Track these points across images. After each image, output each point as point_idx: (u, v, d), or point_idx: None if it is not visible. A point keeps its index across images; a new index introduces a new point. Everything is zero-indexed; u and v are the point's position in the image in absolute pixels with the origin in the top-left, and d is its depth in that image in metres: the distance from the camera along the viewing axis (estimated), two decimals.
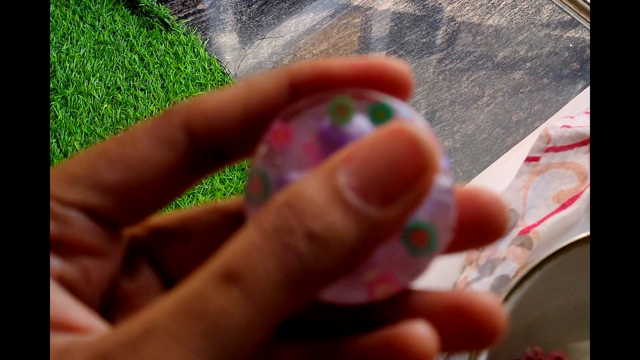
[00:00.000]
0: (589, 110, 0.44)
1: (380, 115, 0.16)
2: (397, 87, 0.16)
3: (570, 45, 1.38)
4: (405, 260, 0.15)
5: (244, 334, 0.12)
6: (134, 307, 0.17)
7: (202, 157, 0.17)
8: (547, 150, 0.41)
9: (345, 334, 0.16)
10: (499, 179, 0.44)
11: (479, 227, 0.16)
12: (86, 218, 0.16)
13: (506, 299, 0.29)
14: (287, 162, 0.16)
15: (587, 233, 0.30)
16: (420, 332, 0.14)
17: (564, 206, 0.39)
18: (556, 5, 1.23)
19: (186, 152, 0.16)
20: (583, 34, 1.39)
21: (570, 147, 0.41)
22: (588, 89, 0.49)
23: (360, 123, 0.16)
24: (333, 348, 0.15)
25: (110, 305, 0.17)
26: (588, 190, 0.38)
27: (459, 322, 0.15)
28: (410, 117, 0.16)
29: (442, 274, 0.39)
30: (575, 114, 0.44)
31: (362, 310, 0.16)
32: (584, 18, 1.11)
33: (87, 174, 0.15)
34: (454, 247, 0.16)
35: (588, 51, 1.35)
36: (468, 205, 0.16)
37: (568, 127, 0.42)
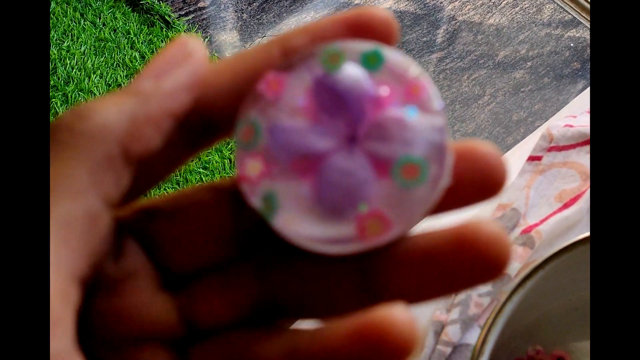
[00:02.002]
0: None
1: (371, 60, 0.16)
2: (383, 34, 0.16)
3: (571, 44, 1.37)
4: (396, 196, 0.15)
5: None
6: (119, 294, 0.16)
7: (192, 131, 0.17)
8: (550, 149, 0.41)
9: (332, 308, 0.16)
10: None
11: (478, 179, 0.15)
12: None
13: (508, 298, 0.29)
14: (279, 110, 0.16)
15: (589, 233, 0.30)
16: (399, 316, 0.13)
17: (566, 206, 0.39)
18: (557, 4, 1.22)
19: (175, 126, 0.16)
20: (584, 33, 1.38)
21: (573, 146, 0.41)
22: (588, 89, 0.49)
23: (352, 69, 0.16)
24: (305, 337, 0.15)
25: (93, 292, 0.16)
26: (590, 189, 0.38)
27: (464, 256, 0.14)
28: (400, 60, 0.16)
29: None
30: (577, 113, 0.44)
31: (353, 272, 0.16)
32: (585, 17, 1.11)
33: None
34: (454, 202, 0.16)
35: (589, 50, 1.35)
36: (466, 158, 0.15)
37: (570, 126, 0.42)
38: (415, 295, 0.15)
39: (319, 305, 0.16)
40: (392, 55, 0.16)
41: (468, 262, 0.14)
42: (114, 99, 0.15)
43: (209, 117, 0.17)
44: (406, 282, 0.15)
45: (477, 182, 0.15)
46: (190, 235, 0.17)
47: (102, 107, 0.15)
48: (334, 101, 0.16)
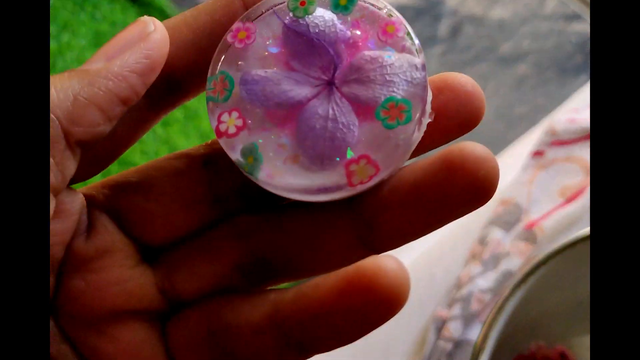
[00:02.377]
0: None
1: (341, 2, 0.16)
2: None
3: (574, 38, 1.37)
4: (381, 138, 0.15)
5: None
6: (92, 270, 0.16)
7: (154, 91, 0.16)
8: (552, 144, 0.41)
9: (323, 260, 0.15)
10: (503, 173, 0.43)
11: (457, 111, 0.15)
12: None
13: (510, 294, 0.29)
14: (250, 60, 0.16)
15: None
16: (388, 265, 0.13)
17: (568, 201, 0.39)
18: None
19: (123, 110, 0.15)
20: (586, 27, 1.38)
21: (576, 141, 0.41)
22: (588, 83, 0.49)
23: (322, 12, 0.16)
24: (289, 297, 0.14)
25: (65, 270, 0.16)
26: None
27: (452, 180, 0.14)
28: (373, 1, 0.16)
29: (446, 270, 0.38)
30: (580, 106, 0.44)
31: (344, 216, 0.15)
32: (587, 11, 1.10)
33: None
34: (437, 138, 0.16)
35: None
36: (443, 91, 0.15)
37: (573, 121, 0.41)
38: (410, 231, 0.15)
39: (309, 261, 0.16)
40: None
41: (457, 186, 0.14)
42: (60, 77, 0.15)
43: (171, 75, 0.16)
44: (398, 219, 0.15)
45: (456, 114, 0.15)
46: (165, 205, 0.16)
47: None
48: (306, 47, 0.15)
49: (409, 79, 0.15)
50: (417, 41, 0.16)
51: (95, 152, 0.16)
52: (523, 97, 1.27)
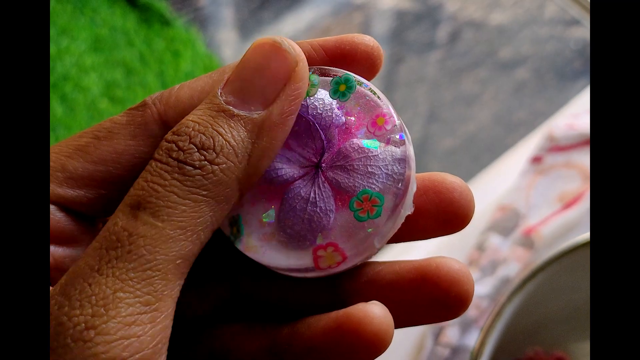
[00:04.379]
0: None
1: (342, 89, 0.16)
2: (366, 64, 0.17)
3: (573, 43, 1.37)
4: (352, 228, 0.15)
5: (162, 251, 0.13)
6: None
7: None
8: (551, 150, 0.41)
9: (305, 315, 0.16)
10: (501, 178, 0.43)
11: (444, 212, 0.15)
12: (58, 210, 0.15)
13: (508, 300, 0.29)
14: None
15: (590, 235, 0.30)
16: (375, 312, 0.14)
17: (567, 206, 0.39)
18: (559, 3, 1.22)
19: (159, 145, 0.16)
20: (586, 32, 1.38)
21: (574, 147, 0.41)
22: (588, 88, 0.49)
23: (322, 95, 0.16)
24: (285, 332, 0.15)
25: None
26: None
27: (425, 292, 0.15)
28: (369, 90, 0.16)
29: None
30: (578, 113, 0.44)
31: (324, 289, 0.16)
32: (586, 17, 1.11)
33: (60, 167, 0.15)
34: (417, 233, 0.16)
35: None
36: (431, 190, 0.16)
37: (572, 126, 0.41)
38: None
39: (292, 308, 0.17)
40: (362, 85, 0.16)
41: (428, 299, 0.15)
42: (229, 128, 0.15)
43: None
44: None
45: (441, 215, 0.15)
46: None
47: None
48: (303, 127, 0.16)
49: (390, 173, 0.16)
50: (406, 135, 0.16)
51: (116, 197, 0.16)
52: (522, 102, 1.27)
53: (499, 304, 0.29)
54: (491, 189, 0.43)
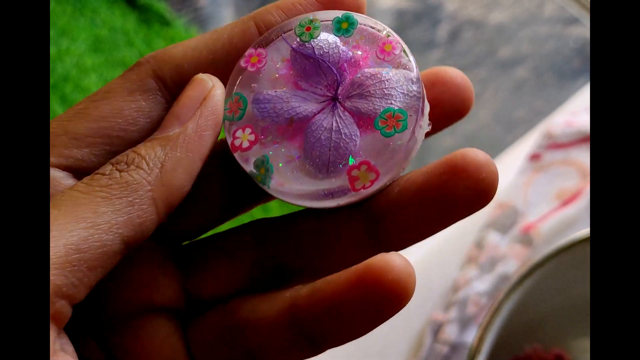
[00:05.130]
0: None
1: (343, 26, 0.17)
2: (353, 4, 0.18)
3: (573, 42, 1.37)
4: (379, 144, 0.16)
5: (53, 234, 0.14)
6: (121, 270, 0.17)
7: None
8: (549, 147, 0.41)
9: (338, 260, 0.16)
10: (500, 176, 0.43)
11: (450, 101, 0.17)
12: (70, 176, 0.16)
13: (506, 296, 0.29)
14: (262, 82, 0.17)
15: (588, 232, 0.30)
16: (396, 260, 0.14)
17: (565, 204, 0.39)
18: (558, 2, 1.22)
19: (158, 99, 0.17)
20: (585, 31, 1.38)
21: (572, 144, 0.41)
22: (588, 85, 0.49)
23: (325, 36, 0.17)
24: (304, 293, 0.15)
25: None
26: (590, 188, 0.38)
27: (455, 183, 0.15)
28: (370, 23, 0.17)
29: (442, 273, 0.38)
30: (577, 110, 0.44)
31: (357, 218, 0.16)
32: (586, 15, 1.11)
33: (63, 131, 0.16)
34: (434, 126, 0.17)
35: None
36: (438, 82, 0.17)
37: (570, 124, 0.42)
38: (417, 230, 0.16)
39: (323, 263, 0.17)
40: (362, 19, 0.17)
41: (460, 188, 0.15)
42: (145, 147, 0.16)
43: None
44: (406, 221, 0.16)
45: (447, 103, 0.17)
46: (185, 202, 0.17)
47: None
48: (312, 67, 0.17)
49: (405, 92, 0.16)
50: (412, 57, 0.17)
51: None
52: (522, 100, 1.27)
53: (497, 300, 0.29)
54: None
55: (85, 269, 0.14)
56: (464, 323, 0.35)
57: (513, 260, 0.37)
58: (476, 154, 0.15)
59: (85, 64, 1.20)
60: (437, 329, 0.36)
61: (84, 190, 0.15)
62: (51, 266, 0.13)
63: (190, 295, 0.17)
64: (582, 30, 1.38)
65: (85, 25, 1.26)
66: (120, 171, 0.15)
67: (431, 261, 0.39)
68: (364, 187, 0.16)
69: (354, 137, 0.16)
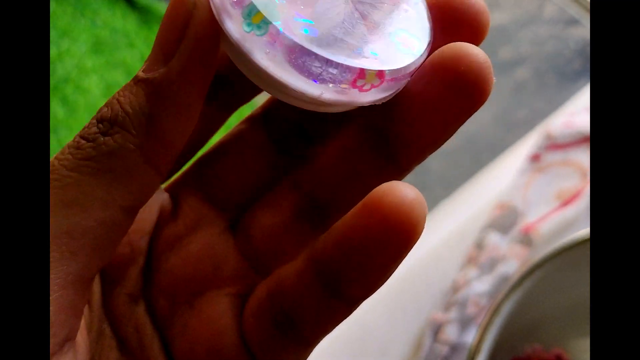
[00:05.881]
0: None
1: None
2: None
3: (573, 43, 1.37)
4: (392, 52, 0.14)
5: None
6: (184, 246, 0.17)
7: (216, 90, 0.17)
8: (549, 148, 0.41)
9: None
10: (500, 177, 0.44)
11: (460, 23, 0.15)
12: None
13: (506, 297, 0.29)
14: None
15: (588, 232, 0.30)
16: (399, 189, 0.13)
17: (565, 204, 0.39)
18: (558, 3, 1.22)
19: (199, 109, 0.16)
20: (585, 32, 1.38)
21: (572, 145, 0.41)
22: (587, 86, 0.49)
23: None
24: (327, 231, 0.14)
25: (159, 253, 0.17)
26: (589, 188, 0.38)
27: (452, 73, 0.14)
28: None
29: (442, 273, 0.39)
30: (576, 111, 0.44)
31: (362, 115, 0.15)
32: (586, 16, 1.11)
33: None
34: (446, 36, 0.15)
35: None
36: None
37: (570, 125, 0.42)
38: (430, 138, 0.15)
39: (348, 191, 0.16)
40: None
41: (460, 81, 0.14)
42: (124, 93, 0.14)
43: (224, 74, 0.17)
44: (416, 128, 0.15)
45: (460, 25, 0.15)
46: (237, 166, 0.17)
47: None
48: None
49: (421, 27, 0.15)
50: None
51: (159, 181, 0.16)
52: (522, 102, 1.27)
53: (496, 300, 0.29)
54: (490, 187, 0.43)
55: (89, 250, 0.13)
56: (464, 323, 0.35)
57: (513, 261, 0.37)
58: (466, 48, 0.14)
59: (86, 65, 1.20)
60: (437, 329, 0.36)
61: (69, 166, 0.13)
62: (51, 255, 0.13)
63: (249, 258, 0.17)
64: (583, 31, 1.38)
65: (86, 26, 1.26)
66: (104, 135, 0.14)
67: (431, 261, 0.39)
68: (362, 88, 0.14)
69: (364, 31, 0.14)
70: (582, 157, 0.40)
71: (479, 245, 0.39)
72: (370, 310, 0.37)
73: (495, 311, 0.29)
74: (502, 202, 0.40)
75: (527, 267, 0.30)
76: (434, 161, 1.18)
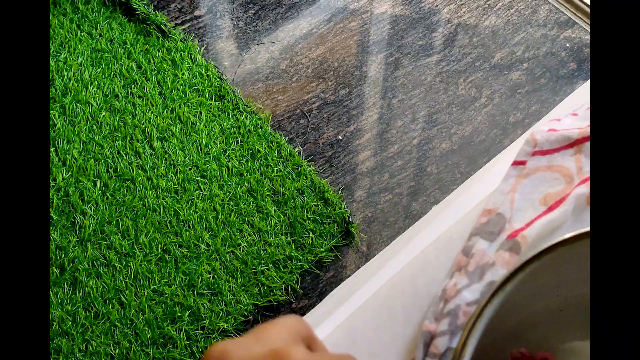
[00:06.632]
0: (576, 112, 0.44)
1: None
2: None
3: (567, 45, 1.38)
4: None
5: None
6: None
7: None
8: (534, 154, 0.41)
9: None
10: (488, 183, 0.44)
11: None
12: None
13: (488, 301, 0.29)
14: None
15: (570, 234, 0.31)
16: None
17: (550, 209, 0.39)
18: (552, 5, 1.22)
19: None
20: (580, 33, 1.39)
21: (557, 150, 0.41)
22: (575, 91, 0.49)
23: None
24: None
25: None
26: (574, 192, 0.39)
27: None
28: None
29: (430, 280, 0.39)
30: (562, 116, 0.44)
31: None
32: (580, 18, 1.11)
33: None
34: None
35: (585, 51, 1.35)
36: None
37: (554, 130, 0.42)
38: None
39: None
40: None
41: None
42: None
43: None
44: None
45: None
46: None
47: None
48: None
49: None
50: None
51: None
52: (517, 104, 1.27)
53: (480, 305, 0.29)
54: (479, 192, 0.43)
55: None
56: (454, 334, 0.35)
57: (501, 268, 0.37)
58: None
59: (84, 77, 1.21)
60: (428, 340, 0.36)
61: None
62: None
63: None
64: (577, 33, 1.38)
65: (84, 37, 1.27)
66: None
67: (418, 268, 0.39)
68: None
69: None
70: (567, 162, 0.40)
71: (467, 253, 0.39)
72: (359, 315, 0.37)
73: (478, 315, 0.29)
74: (489, 209, 0.40)
75: (509, 272, 0.30)
76: (431, 166, 1.19)
